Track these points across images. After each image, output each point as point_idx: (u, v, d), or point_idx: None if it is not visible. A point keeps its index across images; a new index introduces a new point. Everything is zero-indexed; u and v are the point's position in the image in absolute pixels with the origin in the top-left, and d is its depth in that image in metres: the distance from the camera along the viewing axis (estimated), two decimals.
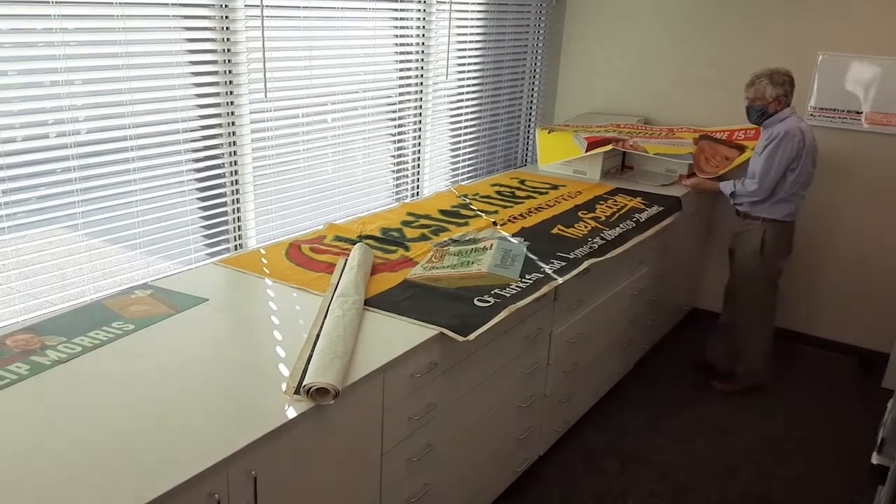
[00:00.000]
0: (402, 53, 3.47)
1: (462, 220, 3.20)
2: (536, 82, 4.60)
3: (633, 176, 4.11)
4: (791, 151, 3.33)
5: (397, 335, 2.09)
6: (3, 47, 2.02)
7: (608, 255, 2.95)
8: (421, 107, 3.67)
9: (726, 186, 3.62)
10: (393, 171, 3.63)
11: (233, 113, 2.69)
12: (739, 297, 3.69)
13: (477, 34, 3.94)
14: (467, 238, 2.95)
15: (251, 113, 2.77)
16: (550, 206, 3.47)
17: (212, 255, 2.76)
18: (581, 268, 2.76)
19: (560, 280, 2.63)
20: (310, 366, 1.82)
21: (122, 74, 2.30)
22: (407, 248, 2.80)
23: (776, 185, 3.41)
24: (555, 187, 3.83)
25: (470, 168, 4.19)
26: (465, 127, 4.05)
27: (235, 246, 2.85)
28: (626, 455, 3.20)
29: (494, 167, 4.40)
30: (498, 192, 3.69)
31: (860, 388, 3.90)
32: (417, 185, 3.80)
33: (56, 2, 2.08)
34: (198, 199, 2.67)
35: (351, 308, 2.14)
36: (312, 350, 1.92)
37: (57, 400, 1.69)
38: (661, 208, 3.60)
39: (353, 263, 2.48)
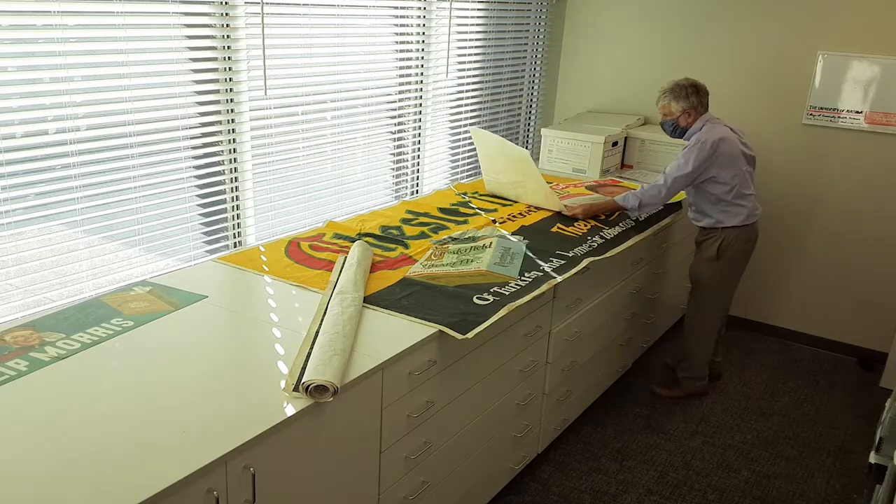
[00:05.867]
0: (402, 51, 3.47)
1: (461, 219, 3.20)
2: (536, 81, 4.60)
3: (632, 175, 4.11)
4: (701, 158, 3.18)
5: (396, 333, 2.09)
6: (2, 43, 2.02)
7: (607, 254, 2.95)
8: (421, 105, 3.67)
9: (625, 199, 3.30)
10: (392, 169, 3.63)
11: (233, 110, 2.69)
12: (690, 303, 3.61)
13: (477, 33, 3.94)
14: (467, 236, 2.95)
15: (251, 110, 2.77)
16: None
17: (211, 252, 2.76)
18: (580, 266, 2.76)
19: (559, 278, 2.63)
20: (309, 363, 1.83)
21: (122, 71, 2.30)
22: (406, 246, 2.81)
23: (689, 187, 3.30)
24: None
25: (470, 166, 4.19)
26: (465, 125, 4.05)
27: (235, 243, 2.85)
28: (624, 453, 3.20)
29: None
30: None
31: (859, 387, 3.90)
32: (417, 183, 3.80)
33: None
34: (197, 196, 2.68)
35: (350, 305, 2.14)
36: (311, 347, 1.92)
37: (55, 396, 1.70)
38: (659, 207, 3.60)
39: (353, 261, 2.48)
